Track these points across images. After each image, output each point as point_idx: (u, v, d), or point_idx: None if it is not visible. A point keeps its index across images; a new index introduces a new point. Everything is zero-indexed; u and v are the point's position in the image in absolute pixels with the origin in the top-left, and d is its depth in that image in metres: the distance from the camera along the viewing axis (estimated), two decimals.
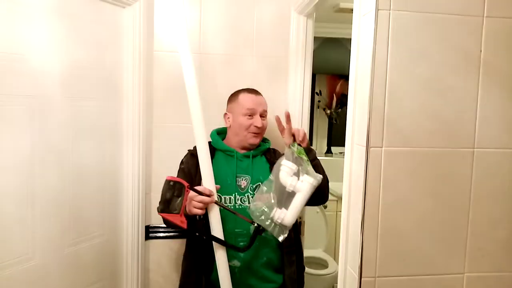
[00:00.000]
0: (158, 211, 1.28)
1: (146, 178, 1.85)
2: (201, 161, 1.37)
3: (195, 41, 1.86)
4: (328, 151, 3.35)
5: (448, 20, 0.87)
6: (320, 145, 3.38)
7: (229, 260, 1.42)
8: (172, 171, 1.62)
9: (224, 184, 1.48)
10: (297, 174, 1.31)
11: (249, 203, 1.48)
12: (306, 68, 1.86)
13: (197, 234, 1.41)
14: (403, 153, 0.89)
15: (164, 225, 1.90)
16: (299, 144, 1.41)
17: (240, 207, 1.49)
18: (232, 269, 1.44)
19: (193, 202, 1.29)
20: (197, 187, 1.30)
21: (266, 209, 1.29)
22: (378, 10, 0.84)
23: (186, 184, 1.29)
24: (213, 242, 1.36)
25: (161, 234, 1.93)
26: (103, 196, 1.69)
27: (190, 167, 1.51)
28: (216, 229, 1.35)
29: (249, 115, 1.53)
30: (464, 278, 0.93)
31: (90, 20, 1.56)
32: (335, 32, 3.09)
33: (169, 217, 1.26)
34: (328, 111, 3.32)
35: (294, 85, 1.88)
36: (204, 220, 1.37)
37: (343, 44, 3.17)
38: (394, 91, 0.88)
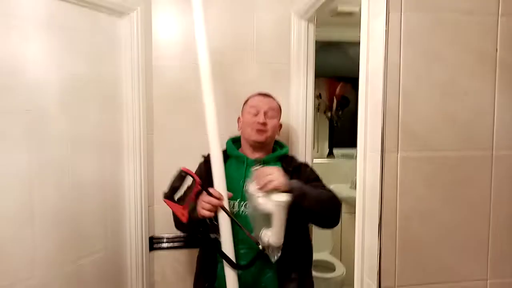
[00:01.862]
0: (163, 197, 1.27)
1: (149, 189, 1.82)
2: (213, 166, 1.35)
3: (193, 51, 1.82)
4: (330, 153, 3.33)
5: (462, 20, 0.85)
6: (321, 147, 3.35)
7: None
8: None
9: (231, 189, 1.45)
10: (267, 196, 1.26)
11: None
12: (308, 72, 1.84)
13: (199, 236, 1.40)
14: (419, 158, 0.87)
15: (168, 235, 1.88)
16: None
17: (243, 213, 1.44)
18: None
19: (202, 202, 1.29)
20: (209, 188, 1.29)
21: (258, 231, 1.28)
22: (389, 12, 0.82)
23: (198, 180, 1.28)
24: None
25: (165, 245, 1.90)
26: (104, 210, 1.65)
27: (201, 172, 1.48)
28: (225, 238, 1.31)
29: (254, 114, 1.52)
30: (488, 284, 0.90)
31: (86, 31, 1.53)
32: (332, 35, 3.07)
33: (172, 205, 1.26)
34: (329, 114, 3.29)
35: (297, 89, 1.85)
36: (216, 224, 1.34)
37: (340, 48, 3.16)
38: (408, 94, 0.85)
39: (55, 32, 1.41)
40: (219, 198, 1.30)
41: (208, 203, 1.28)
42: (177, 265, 1.92)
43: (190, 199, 1.27)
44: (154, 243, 1.88)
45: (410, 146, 0.86)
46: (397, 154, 0.86)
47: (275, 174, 1.28)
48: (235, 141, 1.62)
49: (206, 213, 1.28)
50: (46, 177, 1.38)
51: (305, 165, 1.60)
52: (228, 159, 1.54)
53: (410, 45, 0.84)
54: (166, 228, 1.88)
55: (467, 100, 0.87)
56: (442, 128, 0.86)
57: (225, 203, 1.32)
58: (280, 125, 1.62)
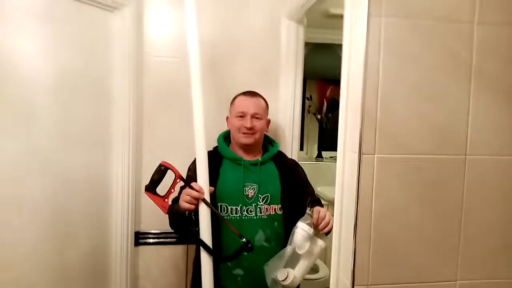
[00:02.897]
0: (144, 189, 1.33)
1: (136, 184, 1.83)
2: (198, 161, 1.40)
3: (183, 47, 1.84)
4: (319, 156, 3.36)
5: (440, 26, 0.87)
6: (310, 149, 3.38)
7: (232, 268, 1.44)
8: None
9: (231, 194, 1.47)
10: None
11: (255, 213, 1.47)
12: (297, 73, 1.86)
13: (182, 229, 1.47)
14: (395, 160, 0.89)
15: (153, 231, 1.89)
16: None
17: (246, 217, 1.47)
18: (235, 277, 1.44)
19: (183, 195, 1.33)
20: (192, 183, 1.34)
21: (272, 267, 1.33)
22: (370, 17, 0.84)
23: (178, 173, 1.33)
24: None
25: (151, 240, 1.91)
26: (90, 203, 1.66)
27: (194, 173, 1.51)
28: (204, 229, 1.36)
29: (240, 117, 1.53)
30: (457, 285, 0.93)
31: (78, 24, 1.54)
32: (325, 37, 3.10)
33: (153, 197, 1.32)
34: (319, 116, 3.32)
35: (286, 90, 1.87)
36: (194, 216, 1.38)
37: (333, 50, 3.18)
38: (386, 97, 0.88)
39: (47, 25, 1.42)
40: (199, 191, 1.33)
41: (189, 195, 1.32)
42: (161, 260, 1.93)
43: (170, 192, 1.33)
44: (139, 238, 1.89)
45: (386, 147, 0.88)
46: (374, 155, 0.88)
47: (331, 217, 1.34)
48: (226, 137, 1.63)
49: (186, 205, 1.32)
50: (34, 168, 1.39)
51: (296, 164, 1.65)
52: (222, 159, 1.55)
53: (389, 49, 0.87)
54: (152, 224, 1.89)
55: (442, 104, 0.89)
56: (417, 131, 0.89)
57: (207, 196, 1.36)
58: (269, 121, 1.65)
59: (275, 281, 1.31)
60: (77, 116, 1.55)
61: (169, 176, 1.35)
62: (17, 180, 1.33)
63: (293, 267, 1.33)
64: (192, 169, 1.55)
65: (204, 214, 1.35)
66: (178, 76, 1.84)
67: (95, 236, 1.69)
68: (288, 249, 1.33)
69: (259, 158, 1.56)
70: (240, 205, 1.47)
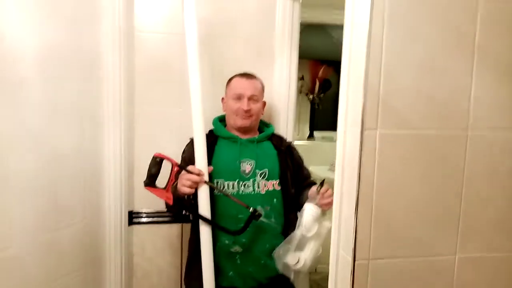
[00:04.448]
0: (144, 185, 1.31)
1: (129, 163, 1.80)
2: (196, 142, 1.39)
3: (177, 22, 1.80)
4: (311, 136, 3.36)
5: (443, 0, 0.86)
6: (302, 129, 3.38)
7: (230, 246, 1.44)
8: None
9: (227, 169, 1.47)
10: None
11: (253, 188, 1.47)
12: (292, 52, 1.84)
13: (185, 212, 1.49)
14: (397, 135, 0.88)
15: (147, 211, 1.88)
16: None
17: (244, 193, 1.47)
18: (233, 255, 1.45)
19: (182, 180, 1.32)
20: (190, 167, 1.34)
21: (282, 252, 1.34)
22: None
23: (174, 162, 1.33)
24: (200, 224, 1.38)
25: (145, 220, 1.90)
26: (83, 181, 1.63)
27: (190, 155, 1.49)
28: (204, 209, 1.36)
29: (237, 99, 1.51)
30: (456, 259, 0.94)
31: None
32: (318, 17, 3.07)
33: (155, 191, 1.32)
34: (311, 96, 3.31)
35: (281, 69, 1.85)
36: (192, 199, 1.39)
37: (325, 30, 3.16)
38: (389, 71, 0.87)
39: None
40: (199, 174, 1.32)
41: (189, 180, 1.31)
42: (156, 239, 1.93)
43: (171, 181, 1.33)
44: (133, 217, 1.88)
45: (389, 123, 0.88)
46: (376, 131, 0.88)
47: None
48: (221, 120, 1.62)
49: (187, 189, 1.32)
50: (23, 143, 1.35)
51: (293, 147, 1.66)
52: (217, 140, 1.54)
53: (393, 23, 0.85)
54: (146, 203, 1.88)
55: (445, 80, 0.88)
56: (420, 107, 0.88)
57: (206, 177, 1.36)
58: (264, 103, 1.63)
59: (287, 266, 1.31)
60: (66, 91, 1.51)
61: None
62: (5, 157, 1.29)
63: (302, 250, 1.33)
64: (187, 150, 1.54)
65: (203, 196, 1.36)
66: (171, 52, 1.81)
67: (88, 215, 1.67)
68: (298, 232, 1.34)
69: (255, 136, 1.55)
70: (237, 179, 1.47)
